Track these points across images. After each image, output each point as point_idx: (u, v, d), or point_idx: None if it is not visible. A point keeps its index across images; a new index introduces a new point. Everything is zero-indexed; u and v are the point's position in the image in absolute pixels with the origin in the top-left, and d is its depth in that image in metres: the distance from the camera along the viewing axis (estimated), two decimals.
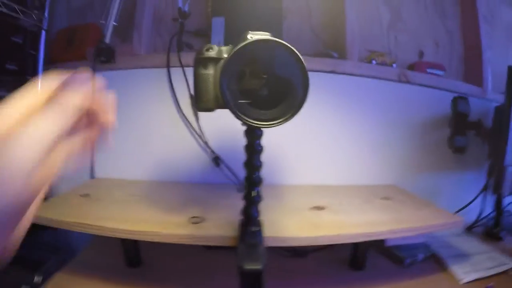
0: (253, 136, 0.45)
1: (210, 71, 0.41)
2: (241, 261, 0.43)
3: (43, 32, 0.84)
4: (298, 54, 0.34)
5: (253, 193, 0.48)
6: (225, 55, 0.40)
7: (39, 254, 0.83)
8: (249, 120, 0.36)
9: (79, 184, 0.77)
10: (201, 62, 0.41)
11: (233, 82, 0.36)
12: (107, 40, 0.84)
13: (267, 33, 0.38)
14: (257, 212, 0.49)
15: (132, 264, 0.67)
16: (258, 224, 0.50)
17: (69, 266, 0.66)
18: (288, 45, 0.34)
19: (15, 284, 0.68)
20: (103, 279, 0.62)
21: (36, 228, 0.75)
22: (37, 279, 0.70)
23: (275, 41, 0.34)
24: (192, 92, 0.43)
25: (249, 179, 0.47)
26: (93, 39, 0.87)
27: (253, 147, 0.45)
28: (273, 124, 0.37)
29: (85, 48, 0.87)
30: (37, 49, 0.84)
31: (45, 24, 0.84)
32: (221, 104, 0.41)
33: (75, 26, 0.92)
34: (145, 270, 0.66)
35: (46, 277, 0.62)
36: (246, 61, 0.35)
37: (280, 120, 0.36)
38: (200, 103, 0.43)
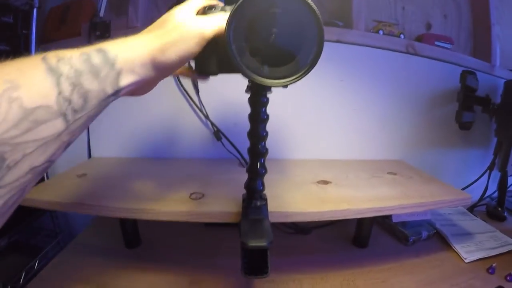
0: (258, 103, 0.42)
1: None
2: (245, 238, 0.40)
3: (35, 10, 0.81)
4: (310, 3, 0.30)
5: (258, 165, 0.45)
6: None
7: (38, 239, 0.82)
8: (258, 77, 0.33)
9: (76, 164, 0.75)
10: None
11: (240, 38, 0.32)
12: (101, 14, 0.81)
13: None
14: (262, 186, 0.47)
15: (131, 244, 0.66)
16: (263, 198, 0.48)
17: (67, 249, 0.65)
18: None
19: (15, 270, 0.67)
20: (102, 261, 0.61)
21: (34, 213, 0.74)
22: (37, 264, 0.69)
23: None
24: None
25: (253, 149, 0.44)
26: (87, 14, 0.83)
27: (258, 116, 0.42)
28: (284, 82, 0.33)
29: (79, 24, 0.83)
30: (29, 28, 0.81)
31: (36, 2, 0.81)
32: (224, 67, 0.38)
33: (68, 2, 0.88)
34: (145, 250, 0.65)
35: (46, 262, 0.61)
36: (253, 15, 0.32)
37: (293, 78, 0.33)
38: (202, 66, 0.40)
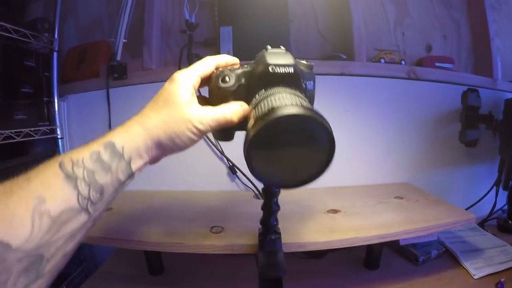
0: None
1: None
2: (262, 270, 0.46)
3: (55, 54, 0.88)
4: (329, 128, 0.32)
5: (272, 203, 0.49)
6: (243, 80, 0.38)
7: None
8: (272, 182, 0.36)
9: None
10: (218, 94, 0.38)
11: (260, 150, 0.32)
12: (118, 57, 0.86)
13: (283, 50, 0.37)
14: (276, 221, 0.51)
15: (155, 272, 0.69)
16: (276, 232, 0.52)
17: (93, 277, 0.69)
18: (318, 118, 0.31)
19: None
20: None
21: None
22: None
23: (307, 116, 0.31)
24: None
25: (267, 189, 0.49)
26: (104, 56, 0.90)
27: None
28: (293, 186, 0.35)
29: (97, 66, 0.90)
30: (50, 71, 0.88)
31: (56, 46, 0.87)
32: (238, 129, 0.39)
33: (86, 44, 0.95)
34: (168, 277, 0.69)
35: None
36: (273, 134, 0.31)
37: (300, 182, 0.34)
38: (221, 136, 0.42)
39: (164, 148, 0.34)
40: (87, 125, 0.92)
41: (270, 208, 0.50)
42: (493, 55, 1.01)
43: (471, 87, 0.90)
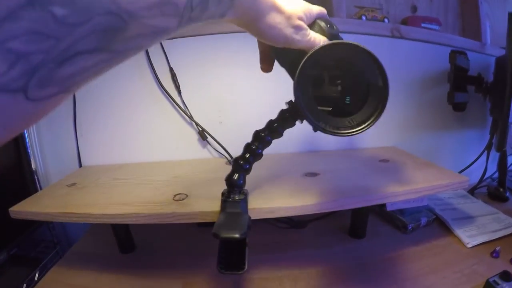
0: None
1: None
2: (217, 229, 0.39)
3: None
4: (377, 58, 0.32)
5: (243, 159, 0.45)
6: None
7: (38, 251, 0.82)
8: (329, 130, 0.34)
9: (66, 174, 0.74)
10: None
11: (309, 88, 0.33)
12: None
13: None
14: (243, 181, 0.47)
15: (126, 250, 0.66)
16: (242, 192, 0.47)
17: (64, 258, 0.66)
18: (366, 48, 0.32)
19: (15, 282, 0.67)
20: (98, 268, 0.61)
21: (32, 225, 0.74)
22: (37, 275, 0.69)
23: (353, 45, 0.31)
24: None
25: (249, 147, 0.46)
26: None
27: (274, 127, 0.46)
28: (357, 131, 0.35)
29: None
30: None
31: None
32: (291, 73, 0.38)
33: None
34: (139, 254, 0.65)
35: (46, 273, 0.61)
36: (322, 66, 0.33)
37: (363, 127, 0.35)
38: (279, 58, 0.41)
39: (252, 31, 0.32)
40: None
41: (238, 163, 0.45)
42: (481, 19, 0.97)
43: (459, 49, 0.85)
